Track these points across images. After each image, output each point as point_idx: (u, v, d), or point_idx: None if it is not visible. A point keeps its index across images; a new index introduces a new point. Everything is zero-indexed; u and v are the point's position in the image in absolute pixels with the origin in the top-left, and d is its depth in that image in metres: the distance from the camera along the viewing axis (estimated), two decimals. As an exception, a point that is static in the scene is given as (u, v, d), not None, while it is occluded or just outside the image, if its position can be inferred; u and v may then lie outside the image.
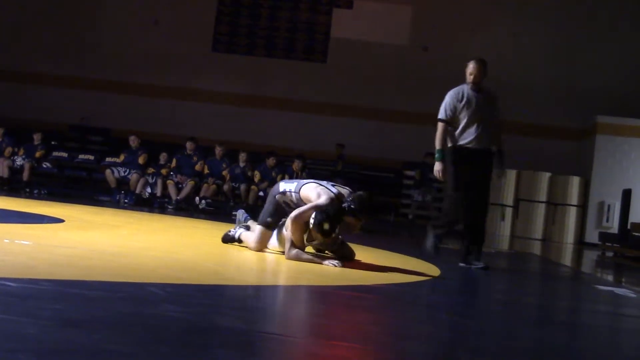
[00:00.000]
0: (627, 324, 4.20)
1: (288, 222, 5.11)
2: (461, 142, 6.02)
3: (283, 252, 5.18)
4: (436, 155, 6.07)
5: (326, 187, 5.25)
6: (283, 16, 16.71)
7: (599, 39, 15.69)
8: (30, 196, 11.38)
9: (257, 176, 12.30)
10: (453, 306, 4.14)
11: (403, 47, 16.29)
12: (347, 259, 5.31)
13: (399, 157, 15.61)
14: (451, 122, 6.06)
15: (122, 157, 12.70)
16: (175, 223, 8.67)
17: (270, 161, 12.43)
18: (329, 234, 5.06)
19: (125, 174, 12.46)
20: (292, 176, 11.80)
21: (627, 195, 12.25)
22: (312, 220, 5.01)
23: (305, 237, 5.13)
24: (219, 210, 12.15)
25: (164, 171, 12.38)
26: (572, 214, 14.33)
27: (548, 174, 14.42)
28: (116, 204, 11.62)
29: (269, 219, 5.39)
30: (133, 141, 12.78)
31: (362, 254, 5.76)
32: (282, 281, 4.53)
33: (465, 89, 6.07)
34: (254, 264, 5.05)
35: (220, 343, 2.42)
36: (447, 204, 6.30)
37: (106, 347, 2.17)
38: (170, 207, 11.84)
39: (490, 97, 6.16)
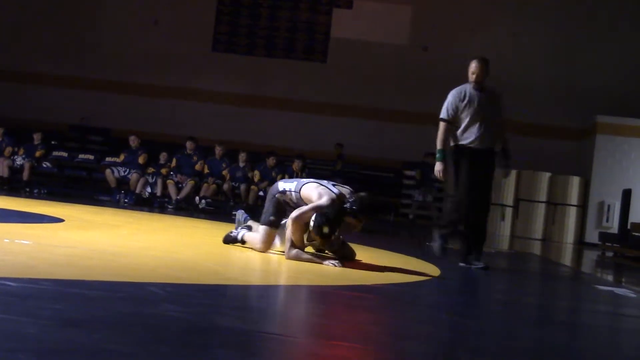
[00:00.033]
0: (627, 324, 4.20)
1: (288, 222, 5.10)
2: (463, 141, 6.00)
3: (283, 252, 5.18)
4: (437, 155, 6.05)
5: (327, 187, 5.22)
6: (283, 16, 16.71)
7: (599, 39, 15.69)
8: (30, 196, 11.38)
9: (256, 176, 12.30)
10: (453, 306, 4.14)
11: (403, 47, 16.29)
12: (347, 259, 5.31)
13: (398, 157, 15.62)
14: (453, 122, 6.04)
15: (122, 157, 12.70)
16: (175, 223, 8.67)
17: (270, 161, 12.43)
18: (328, 237, 5.06)
19: (125, 173, 12.47)
20: (292, 176, 11.80)
21: (627, 195, 12.25)
22: (311, 223, 5.00)
23: (305, 237, 5.12)
24: (219, 210, 12.15)
25: (164, 171, 12.38)
26: (572, 214, 14.34)
27: (548, 174, 14.42)
28: (116, 204, 11.62)
29: (272, 218, 5.35)
30: (133, 141, 12.78)
31: (362, 254, 5.76)
32: (282, 281, 4.53)
33: (468, 88, 6.04)
34: (254, 263, 5.05)
35: (220, 343, 2.42)
36: (449, 204, 6.30)
37: (106, 347, 2.17)
38: (170, 206, 11.84)
39: (493, 96, 6.12)
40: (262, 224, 5.42)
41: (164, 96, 16.42)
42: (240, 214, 5.94)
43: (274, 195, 5.45)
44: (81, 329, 2.37)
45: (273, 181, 11.16)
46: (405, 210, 14.90)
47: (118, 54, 16.58)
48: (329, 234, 5.00)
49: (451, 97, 6.07)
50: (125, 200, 12.12)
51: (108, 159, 13.19)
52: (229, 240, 5.65)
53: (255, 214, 9.81)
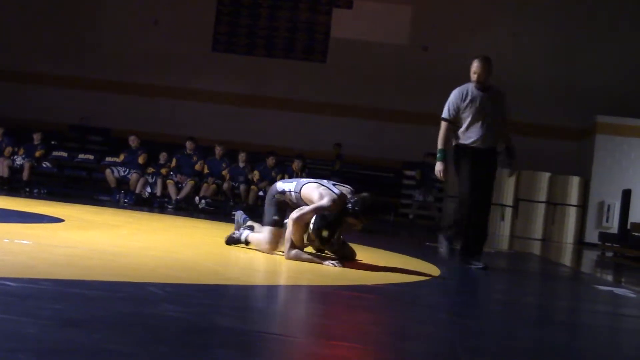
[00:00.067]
0: (627, 324, 4.20)
1: (289, 222, 5.09)
2: (465, 141, 5.98)
3: (283, 252, 5.18)
4: (438, 155, 6.03)
5: (328, 188, 5.20)
6: (283, 16, 16.71)
7: (599, 39, 15.69)
8: (30, 196, 11.38)
9: (256, 175, 12.30)
10: (453, 306, 4.14)
11: (403, 47, 16.29)
12: (347, 259, 5.30)
13: (398, 157, 15.62)
14: (454, 122, 6.03)
15: (122, 157, 12.70)
16: (175, 223, 8.67)
17: (270, 161, 12.43)
18: (327, 241, 5.05)
19: (125, 173, 12.47)
20: (292, 176, 11.80)
21: (626, 195, 12.25)
22: (311, 226, 4.98)
23: (305, 237, 5.11)
24: (218, 210, 12.15)
25: (163, 171, 12.38)
26: (571, 214, 14.34)
27: (548, 174, 14.42)
28: (116, 204, 11.62)
29: (275, 217, 5.30)
30: (133, 141, 12.79)
31: (362, 254, 5.76)
32: (282, 281, 4.52)
33: (470, 87, 6.01)
34: (253, 263, 5.05)
35: (220, 343, 2.42)
36: (453, 204, 6.29)
37: (106, 347, 2.17)
38: (170, 206, 11.84)
39: (497, 96, 6.08)
40: (266, 225, 5.37)
41: (164, 96, 16.42)
42: (239, 215, 5.91)
43: (274, 196, 5.43)
44: (81, 329, 2.37)
45: (273, 181, 11.16)
46: (405, 210, 14.91)
47: (118, 54, 16.58)
48: (329, 237, 4.99)
49: (453, 96, 6.04)
50: (125, 200, 12.13)
51: (108, 159, 13.20)
52: (232, 241, 5.61)
53: (255, 214, 9.82)
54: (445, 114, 6.04)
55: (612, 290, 5.68)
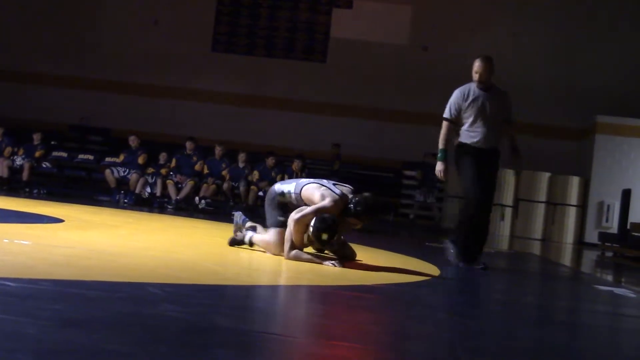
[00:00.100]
0: (627, 324, 4.19)
1: (290, 222, 5.06)
2: (467, 140, 5.95)
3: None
4: (439, 155, 6.02)
5: (329, 188, 5.19)
6: (283, 16, 16.71)
7: (599, 39, 15.69)
8: (30, 196, 11.37)
9: (255, 176, 12.30)
10: (453, 306, 4.14)
11: (403, 47, 16.29)
12: (347, 259, 5.30)
13: (398, 157, 15.62)
14: (456, 121, 6.01)
15: (121, 157, 12.70)
16: (174, 223, 8.67)
17: (270, 161, 12.43)
18: (327, 244, 5.04)
19: (125, 173, 12.46)
20: (292, 176, 11.80)
21: (626, 195, 12.25)
22: (310, 229, 4.97)
23: (305, 237, 5.10)
24: (218, 210, 12.14)
25: (163, 171, 12.38)
26: (571, 214, 14.34)
27: (548, 174, 14.42)
28: (116, 204, 11.62)
29: (280, 218, 5.25)
30: (133, 141, 12.78)
31: (362, 254, 5.75)
32: (282, 281, 4.52)
33: (472, 87, 5.98)
34: (253, 264, 5.05)
35: (220, 343, 2.42)
36: (457, 206, 6.26)
37: (105, 347, 2.16)
38: (169, 207, 11.84)
39: (499, 95, 6.04)
40: (271, 227, 5.31)
41: (163, 96, 16.42)
42: (238, 216, 5.88)
43: (274, 198, 5.39)
44: (80, 329, 2.37)
45: (272, 181, 11.16)
46: (405, 210, 14.91)
47: (118, 54, 16.58)
48: (328, 240, 4.98)
49: (454, 96, 6.01)
50: (125, 200, 12.12)
51: (108, 159, 13.20)
52: (235, 243, 5.58)
53: (254, 214, 9.83)
54: (446, 113, 6.02)
55: (612, 290, 5.68)
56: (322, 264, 4.92)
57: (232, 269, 4.72)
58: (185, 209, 11.87)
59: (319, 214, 5.00)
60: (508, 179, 13.96)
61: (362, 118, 16.05)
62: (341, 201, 5.09)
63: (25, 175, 12.67)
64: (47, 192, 12.36)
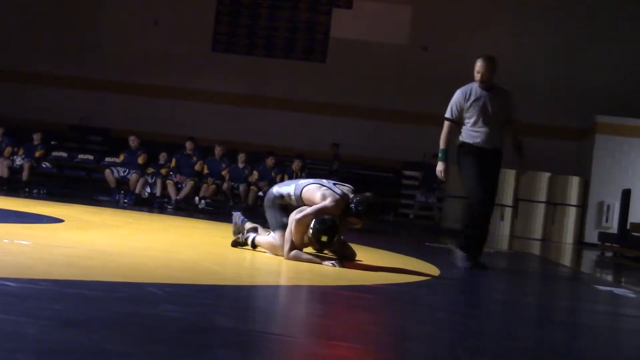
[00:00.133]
0: (627, 324, 4.19)
1: (291, 222, 5.05)
2: (470, 140, 5.93)
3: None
4: (439, 155, 6.01)
5: (329, 188, 5.18)
6: (283, 16, 16.71)
7: (599, 39, 15.69)
8: (30, 196, 11.37)
9: (255, 176, 12.29)
10: (453, 306, 4.14)
11: (403, 47, 16.29)
12: (347, 259, 5.30)
13: (398, 157, 15.62)
14: (457, 121, 5.99)
15: (121, 157, 12.70)
16: (174, 223, 8.67)
17: (269, 161, 12.42)
18: (327, 246, 5.03)
19: (125, 174, 12.46)
20: (292, 176, 11.79)
21: (626, 195, 12.25)
22: (310, 231, 4.96)
23: (305, 237, 5.09)
24: (218, 210, 12.14)
25: (163, 171, 12.38)
26: (571, 214, 14.34)
27: (547, 174, 14.42)
28: (115, 204, 11.62)
29: (285, 220, 5.21)
30: (132, 141, 12.78)
31: (362, 254, 5.75)
32: (282, 281, 4.52)
33: (474, 87, 5.95)
34: (253, 264, 5.05)
35: (220, 343, 2.42)
36: (460, 208, 6.21)
37: (105, 347, 2.16)
38: (169, 207, 11.84)
39: (501, 95, 6.01)
40: (276, 230, 5.27)
41: (163, 96, 16.42)
42: (237, 216, 5.86)
43: (273, 201, 5.37)
44: (80, 329, 2.37)
45: (273, 181, 11.16)
46: (405, 210, 14.91)
47: (118, 54, 16.58)
48: (328, 242, 4.97)
49: (456, 96, 5.98)
50: (125, 200, 12.12)
51: (107, 159, 13.19)
52: (238, 244, 5.56)
53: (254, 214, 9.83)
54: (448, 113, 6.00)
55: (612, 290, 5.68)
56: (321, 264, 4.92)
57: (232, 269, 4.71)
58: (185, 209, 11.86)
59: (319, 214, 4.99)
60: (508, 179, 13.96)
61: (362, 118, 16.05)
62: (342, 201, 5.09)
63: (25, 175, 12.66)
64: (47, 192, 12.36)
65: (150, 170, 12.50)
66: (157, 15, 16.76)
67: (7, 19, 17.02)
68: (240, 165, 12.54)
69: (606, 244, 11.83)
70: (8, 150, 12.94)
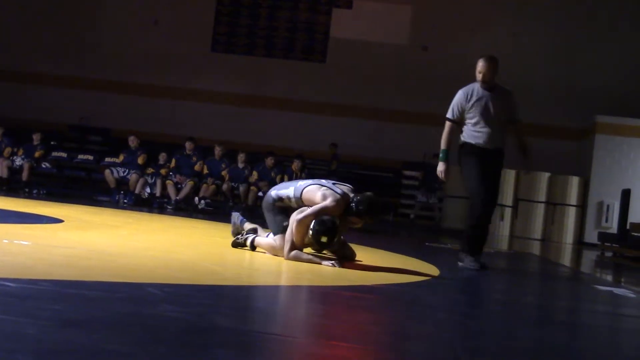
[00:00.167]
0: (627, 324, 4.19)
1: (292, 223, 5.04)
2: (472, 140, 5.92)
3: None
4: (440, 155, 5.99)
5: (329, 188, 5.18)
6: (282, 16, 16.71)
7: (599, 39, 15.69)
8: (30, 196, 11.37)
9: (254, 176, 12.29)
10: (453, 306, 4.14)
11: (403, 47, 16.29)
12: (347, 259, 5.29)
13: (398, 157, 15.62)
14: (459, 122, 5.98)
15: (121, 157, 12.69)
16: (174, 223, 8.66)
17: (269, 161, 12.42)
18: (327, 246, 5.03)
19: (125, 174, 12.46)
20: (292, 176, 11.79)
21: (626, 195, 12.25)
22: (310, 232, 4.96)
23: (306, 238, 5.08)
24: (218, 210, 12.14)
25: (163, 171, 12.37)
26: (571, 214, 14.33)
27: (547, 174, 14.41)
28: (115, 204, 11.62)
29: (286, 224, 5.18)
30: (132, 141, 12.78)
31: (362, 254, 5.75)
32: (281, 281, 4.52)
33: (476, 87, 5.93)
34: (252, 264, 5.04)
35: (220, 343, 2.42)
36: (461, 209, 6.19)
37: (105, 347, 2.16)
38: (169, 207, 11.83)
39: (503, 95, 6.00)
40: (278, 234, 5.25)
41: (163, 96, 16.42)
42: (235, 217, 5.85)
43: (272, 204, 5.36)
44: (80, 329, 2.37)
45: (272, 181, 11.17)
46: (405, 210, 14.91)
47: (118, 54, 16.58)
48: (328, 243, 4.97)
49: (458, 97, 5.96)
50: (125, 200, 12.12)
51: (107, 159, 13.19)
52: (238, 245, 5.54)
53: (254, 214, 9.82)
54: (449, 114, 5.99)
55: (612, 290, 5.68)
56: (321, 264, 4.92)
57: (232, 269, 4.71)
58: (185, 209, 11.86)
59: (320, 214, 4.98)
60: (508, 179, 13.96)
61: (362, 118, 16.05)
62: (343, 200, 5.08)
63: (24, 175, 12.66)
64: (46, 193, 12.36)
65: (150, 170, 12.50)
66: (157, 15, 16.76)
67: (7, 19, 17.02)
68: (240, 165, 12.54)
69: (606, 244, 11.83)
70: (8, 150, 12.93)
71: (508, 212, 14.39)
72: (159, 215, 10.08)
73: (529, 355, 2.89)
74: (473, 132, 5.92)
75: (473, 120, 5.91)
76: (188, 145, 12.63)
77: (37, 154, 13.05)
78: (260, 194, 11.80)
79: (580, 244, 14.10)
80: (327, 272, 4.67)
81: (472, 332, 3.28)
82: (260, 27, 16.72)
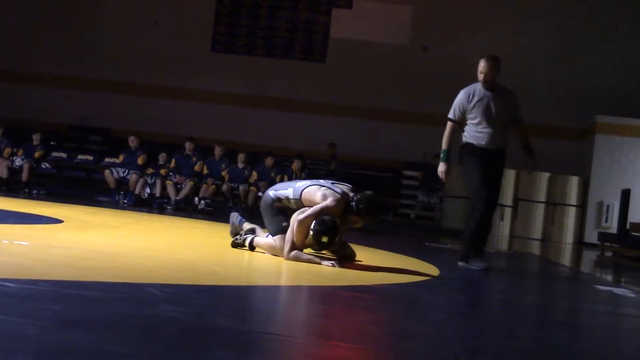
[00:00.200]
0: (627, 324, 4.19)
1: (293, 223, 5.03)
2: (473, 141, 5.90)
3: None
4: (441, 156, 5.99)
5: (329, 188, 5.17)
6: (282, 16, 16.71)
7: (599, 39, 15.69)
8: (29, 197, 11.37)
9: (254, 176, 12.29)
10: (453, 306, 4.14)
11: (403, 46, 16.29)
12: (347, 259, 5.29)
13: (398, 157, 15.61)
14: (460, 122, 5.97)
15: (121, 158, 12.69)
16: (174, 223, 8.66)
17: (269, 161, 12.42)
18: (327, 247, 5.03)
19: (125, 174, 12.46)
20: (292, 177, 11.79)
21: (626, 195, 12.24)
22: (311, 232, 4.95)
23: (307, 238, 5.08)
24: (218, 210, 12.13)
25: (163, 171, 12.37)
26: (571, 214, 14.33)
27: (547, 174, 14.41)
28: (115, 205, 11.62)
29: (285, 224, 5.18)
30: (132, 141, 12.78)
31: (362, 254, 5.75)
32: (281, 281, 4.52)
33: (478, 87, 5.92)
34: (252, 264, 5.04)
35: (219, 343, 2.42)
36: (465, 212, 6.17)
37: (104, 348, 2.16)
38: (169, 207, 11.83)
39: (505, 95, 5.98)
40: (276, 234, 5.25)
41: (163, 96, 16.41)
42: (234, 217, 5.84)
43: (271, 204, 5.35)
44: (80, 329, 2.36)
45: (272, 182, 11.16)
46: (405, 210, 14.90)
47: (118, 54, 16.58)
48: (328, 243, 4.96)
49: (459, 97, 5.95)
50: (125, 201, 12.12)
51: (107, 159, 13.19)
52: (237, 245, 5.54)
53: (254, 214, 9.81)
54: (451, 114, 5.98)
55: (612, 290, 5.68)
56: (321, 264, 4.92)
57: (232, 269, 4.71)
58: (185, 209, 11.86)
59: (321, 214, 4.98)
60: (508, 179, 13.95)
61: (361, 118, 16.04)
62: (343, 200, 5.08)
63: (24, 175, 12.66)
64: (46, 193, 12.36)
65: (150, 170, 12.50)
66: (157, 15, 16.76)
67: (7, 19, 17.02)
68: (240, 165, 12.54)
69: (606, 243, 11.83)
70: (7, 150, 12.93)
71: (508, 212, 14.38)
72: (158, 215, 10.08)
73: (529, 355, 2.89)
74: (475, 133, 5.91)
75: (475, 121, 5.90)
76: (188, 145, 12.63)
77: (36, 154, 13.05)
78: (260, 194, 11.79)
79: (580, 244, 14.10)
80: (327, 272, 4.67)
81: (472, 332, 3.28)
82: (260, 27, 16.72)
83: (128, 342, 2.28)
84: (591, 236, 13.82)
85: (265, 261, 5.10)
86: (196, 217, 10.46)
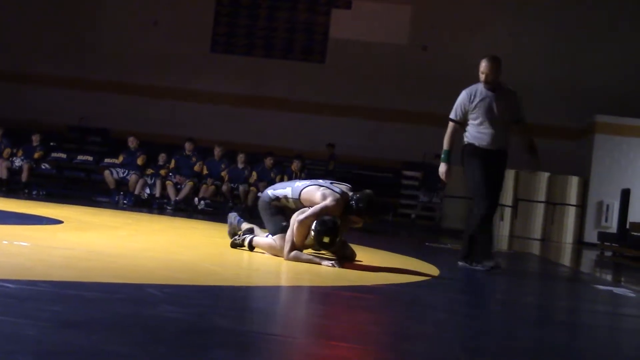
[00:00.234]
0: (627, 323, 4.19)
1: (294, 224, 5.03)
2: (475, 141, 5.89)
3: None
4: (442, 156, 5.98)
5: (329, 188, 5.17)
6: (281, 16, 16.71)
7: (599, 39, 15.69)
8: (29, 197, 11.37)
9: (253, 177, 12.29)
10: (453, 306, 4.14)
11: (402, 46, 16.29)
12: (347, 259, 5.29)
13: (398, 157, 15.61)
14: (462, 122, 5.97)
15: (121, 158, 12.69)
16: (173, 224, 8.66)
17: (268, 161, 12.42)
18: (328, 247, 5.02)
19: (124, 174, 12.45)
20: (292, 177, 11.79)
21: (625, 194, 12.24)
22: (312, 232, 4.95)
23: (308, 239, 5.07)
24: (217, 211, 12.13)
25: (162, 172, 12.37)
26: (571, 214, 14.33)
27: (547, 174, 14.41)
28: (115, 205, 11.61)
29: (284, 224, 5.18)
30: (132, 142, 12.77)
31: (362, 254, 5.75)
32: (281, 282, 4.52)
33: (479, 87, 5.91)
34: (252, 264, 5.04)
35: (219, 343, 2.42)
36: (465, 213, 6.16)
37: (104, 348, 2.16)
38: (169, 207, 11.83)
39: (507, 95, 5.97)
40: (275, 234, 5.24)
41: (163, 97, 16.42)
42: (232, 217, 5.84)
43: (268, 203, 5.35)
44: (80, 330, 2.36)
45: (272, 182, 11.16)
46: (405, 210, 14.90)
47: (118, 54, 16.58)
48: (330, 243, 4.96)
49: (461, 97, 5.94)
50: (124, 201, 12.11)
51: (107, 160, 13.18)
52: (236, 245, 5.54)
53: (254, 214, 9.81)
54: (452, 115, 5.97)
55: (612, 290, 5.68)
56: (321, 264, 4.92)
57: (231, 269, 4.71)
58: (185, 209, 11.86)
59: (321, 214, 4.98)
60: (507, 179, 13.94)
61: (361, 118, 16.04)
62: (342, 199, 5.08)
63: (24, 176, 12.65)
64: (46, 193, 12.35)
65: (150, 171, 12.50)
66: (156, 15, 16.76)
67: (7, 19, 17.02)
68: (240, 165, 12.53)
69: (605, 243, 11.83)
70: (7, 151, 12.93)
71: (508, 212, 14.39)
72: (158, 216, 10.08)
73: (529, 355, 2.89)
74: (476, 133, 5.90)
75: (477, 121, 5.89)
76: (187, 145, 12.62)
77: (36, 155, 13.04)
78: (259, 194, 11.78)
79: (580, 243, 14.10)
80: (327, 273, 4.67)
81: (472, 332, 3.28)
82: (260, 27, 16.72)
83: (128, 343, 2.28)
84: (591, 236, 13.82)
85: (265, 261, 5.10)
86: (196, 218, 10.46)
